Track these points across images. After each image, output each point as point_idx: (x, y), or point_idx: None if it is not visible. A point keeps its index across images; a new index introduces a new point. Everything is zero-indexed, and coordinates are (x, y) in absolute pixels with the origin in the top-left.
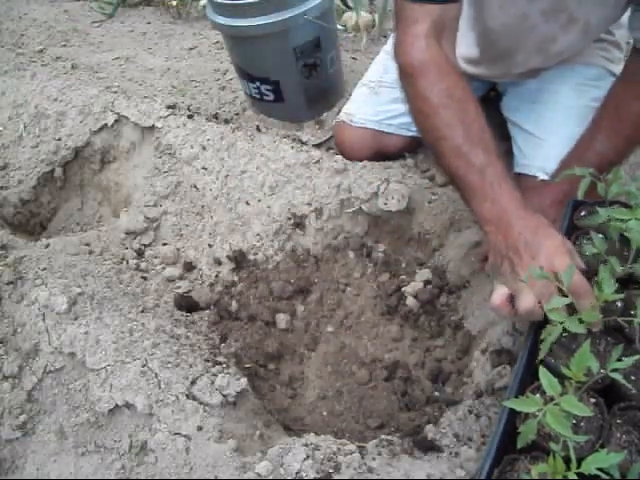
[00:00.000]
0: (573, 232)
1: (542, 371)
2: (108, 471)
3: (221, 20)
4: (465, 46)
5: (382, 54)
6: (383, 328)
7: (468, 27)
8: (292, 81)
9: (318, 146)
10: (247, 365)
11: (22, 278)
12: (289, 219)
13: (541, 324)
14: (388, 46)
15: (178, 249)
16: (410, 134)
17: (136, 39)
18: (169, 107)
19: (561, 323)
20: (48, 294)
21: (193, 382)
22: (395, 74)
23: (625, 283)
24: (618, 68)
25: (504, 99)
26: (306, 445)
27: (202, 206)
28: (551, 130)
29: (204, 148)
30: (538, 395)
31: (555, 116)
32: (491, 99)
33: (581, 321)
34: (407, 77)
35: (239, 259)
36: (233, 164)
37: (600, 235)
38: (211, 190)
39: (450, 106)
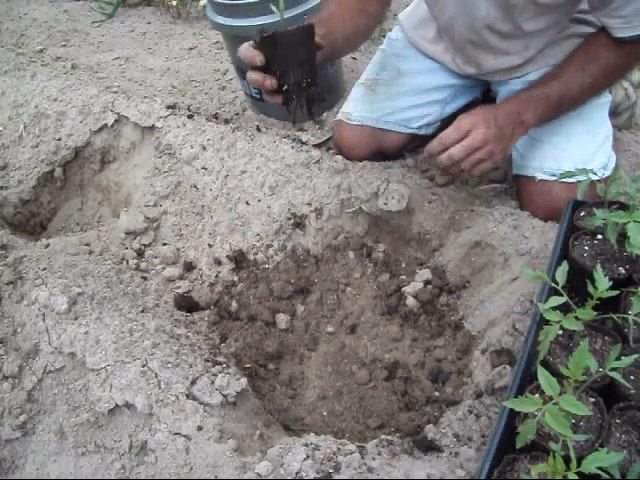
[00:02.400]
0: (573, 232)
1: (540, 371)
2: (108, 471)
3: (221, 20)
4: (440, 49)
5: (379, 53)
6: (383, 328)
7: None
8: None
9: (318, 146)
10: (247, 365)
11: (22, 278)
12: (289, 219)
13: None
14: (384, 45)
15: (178, 249)
16: (408, 131)
17: (136, 39)
18: (169, 107)
19: (558, 322)
20: (48, 294)
21: (193, 382)
22: (392, 72)
23: (624, 283)
24: None
25: (497, 102)
26: (306, 445)
27: (202, 206)
28: (547, 130)
29: (204, 148)
30: (537, 395)
31: None
32: (493, 99)
33: (577, 319)
34: None
35: (239, 259)
36: (233, 164)
37: (599, 236)
38: (211, 190)
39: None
